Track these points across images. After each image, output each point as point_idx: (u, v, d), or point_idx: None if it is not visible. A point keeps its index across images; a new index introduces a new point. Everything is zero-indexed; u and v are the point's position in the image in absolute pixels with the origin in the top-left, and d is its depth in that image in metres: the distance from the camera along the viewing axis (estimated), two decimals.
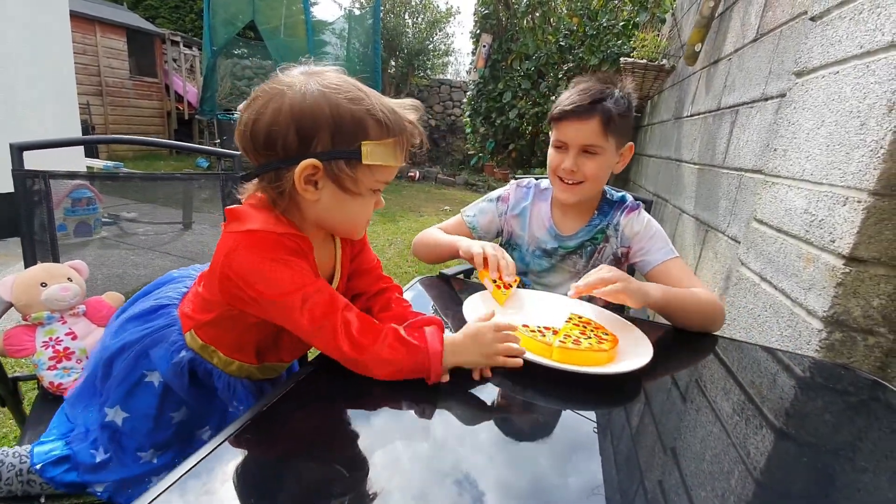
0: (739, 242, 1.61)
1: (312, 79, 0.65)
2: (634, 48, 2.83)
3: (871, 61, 0.91)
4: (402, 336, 0.66)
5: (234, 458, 0.50)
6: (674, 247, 1.19)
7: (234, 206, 0.69)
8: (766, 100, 1.65)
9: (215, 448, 0.50)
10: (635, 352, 0.75)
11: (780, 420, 0.69)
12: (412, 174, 8.40)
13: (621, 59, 2.91)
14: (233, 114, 7.14)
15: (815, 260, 0.98)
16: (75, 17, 6.82)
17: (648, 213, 1.60)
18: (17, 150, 1.05)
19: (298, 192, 0.65)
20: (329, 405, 0.64)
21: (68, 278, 1.05)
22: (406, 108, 0.69)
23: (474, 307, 0.86)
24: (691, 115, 2.67)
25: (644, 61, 2.70)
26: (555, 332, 0.74)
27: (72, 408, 0.82)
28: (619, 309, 1.52)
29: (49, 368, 1.00)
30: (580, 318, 0.84)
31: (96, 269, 2.24)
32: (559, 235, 1.24)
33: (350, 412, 0.62)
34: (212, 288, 0.70)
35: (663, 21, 3.61)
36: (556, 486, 0.51)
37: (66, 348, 1.02)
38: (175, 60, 9.06)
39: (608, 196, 1.24)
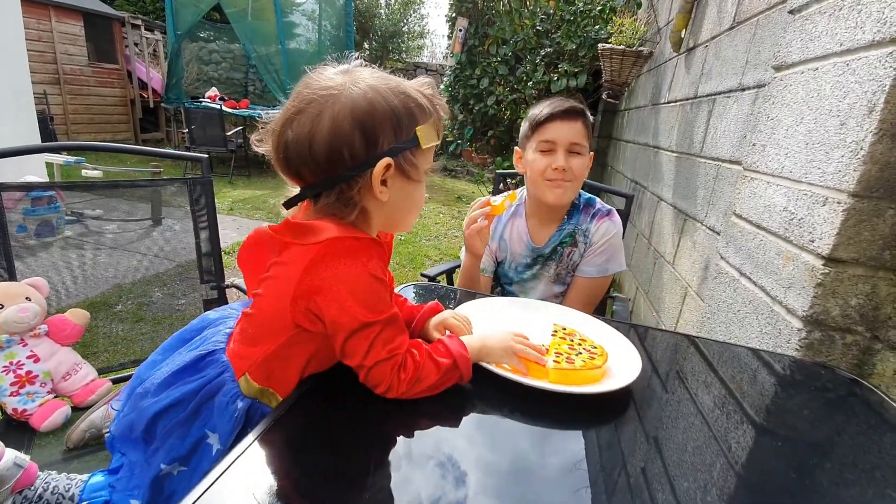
0: (718, 233, 1.63)
1: (351, 77, 0.64)
2: (612, 33, 2.80)
3: (851, 59, 0.90)
4: (435, 358, 0.65)
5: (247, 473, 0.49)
6: (624, 261, 1.32)
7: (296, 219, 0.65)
8: (744, 90, 1.66)
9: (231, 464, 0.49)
10: (624, 361, 0.75)
11: (760, 415, 0.70)
12: None
13: (599, 45, 2.88)
14: (200, 101, 6.86)
15: (795, 259, 0.99)
16: (27, 0, 6.42)
17: (630, 208, 1.61)
18: None
19: (373, 197, 0.64)
20: (335, 415, 0.63)
21: (27, 297, 0.98)
22: (429, 87, 0.69)
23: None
24: (669, 102, 2.68)
25: (622, 48, 2.68)
26: (544, 351, 0.72)
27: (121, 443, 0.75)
28: (602, 311, 1.57)
29: (11, 395, 0.94)
30: (564, 329, 0.83)
31: (61, 273, 2.13)
32: (535, 248, 1.32)
33: (358, 425, 0.60)
34: (271, 315, 0.65)
35: (639, 5, 3.58)
36: (537, 466, 0.54)
37: (29, 372, 0.97)
38: (137, 45, 8.64)
39: (574, 200, 1.31)
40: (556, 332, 0.82)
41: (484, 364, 0.68)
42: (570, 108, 1.21)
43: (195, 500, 0.43)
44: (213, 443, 0.68)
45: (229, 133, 6.22)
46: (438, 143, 0.69)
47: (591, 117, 1.26)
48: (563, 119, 1.21)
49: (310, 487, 0.50)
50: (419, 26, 9.76)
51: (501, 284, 1.38)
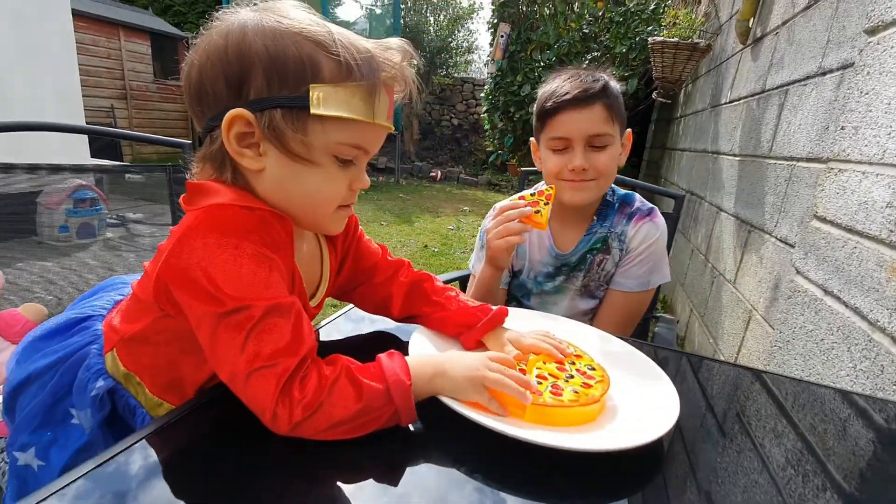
0: (793, 246, 1.34)
1: (257, 14, 0.50)
2: (665, 26, 2.55)
3: None
4: (358, 380, 0.46)
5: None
6: (668, 271, 1.06)
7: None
8: (824, 74, 1.38)
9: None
10: (652, 399, 0.53)
11: (851, 481, 0.49)
12: (434, 174, 8.21)
13: (650, 38, 2.62)
14: None
15: None
16: (99, 21, 6.96)
17: (680, 211, 1.36)
18: None
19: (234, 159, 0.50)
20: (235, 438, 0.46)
21: None
22: (388, 49, 0.53)
23: (420, 344, 0.64)
24: (731, 102, 2.38)
25: (675, 40, 2.41)
26: (535, 386, 0.51)
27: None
28: (643, 334, 1.29)
29: None
30: (553, 338, 0.63)
31: (90, 273, 2.13)
32: (559, 254, 1.07)
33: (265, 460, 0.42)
34: (143, 289, 0.53)
35: (699, 1, 3.29)
36: None
37: None
38: None
39: (607, 197, 1.06)
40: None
41: (441, 398, 0.49)
42: (583, 91, 0.93)
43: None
44: (82, 422, 0.57)
45: None
46: (365, 120, 0.51)
47: (615, 87, 0.98)
48: (575, 108, 0.94)
49: None
50: (467, 42, 9.74)
51: (518, 298, 1.15)
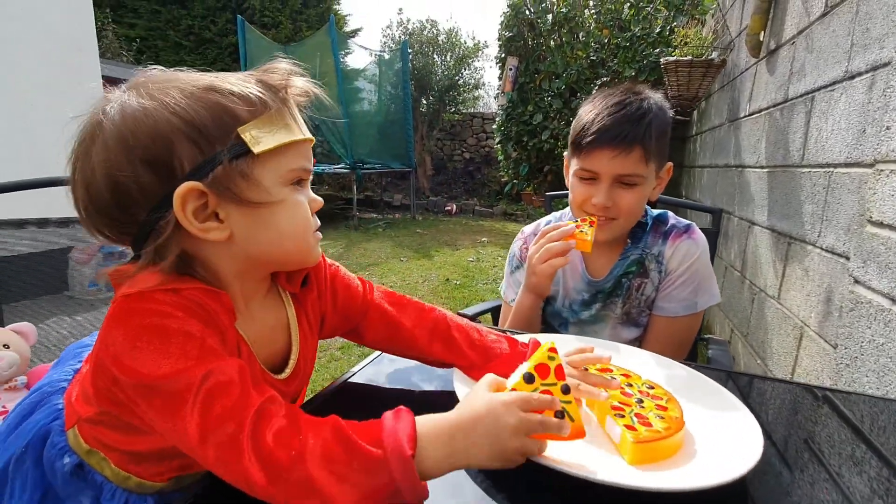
0: (841, 255, 1.26)
1: (133, 91, 0.46)
2: (676, 47, 2.55)
3: None
4: (352, 442, 0.40)
5: None
6: (717, 290, 1.00)
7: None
8: (852, 77, 1.34)
9: None
10: (723, 427, 0.48)
11: None
12: (449, 208, 8.27)
13: (662, 59, 2.62)
14: None
15: None
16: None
17: (719, 226, 1.31)
18: None
19: (198, 239, 0.47)
20: None
21: (4, 345, 0.88)
22: (272, 71, 0.51)
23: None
24: (750, 115, 2.34)
25: (689, 58, 2.41)
26: (579, 428, 0.45)
27: None
28: (692, 358, 1.22)
29: None
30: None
31: None
32: (592, 281, 1.01)
33: None
34: (89, 378, 0.51)
35: (704, 21, 3.32)
36: None
37: None
38: None
39: (641, 219, 1.00)
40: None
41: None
42: (622, 131, 0.86)
43: None
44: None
45: None
46: (296, 138, 0.50)
47: (665, 118, 0.92)
48: (610, 148, 0.87)
49: None
50: (474, 78, 9.98)
51: (553, 327, 1.09)
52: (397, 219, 7.60)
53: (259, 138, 0.46)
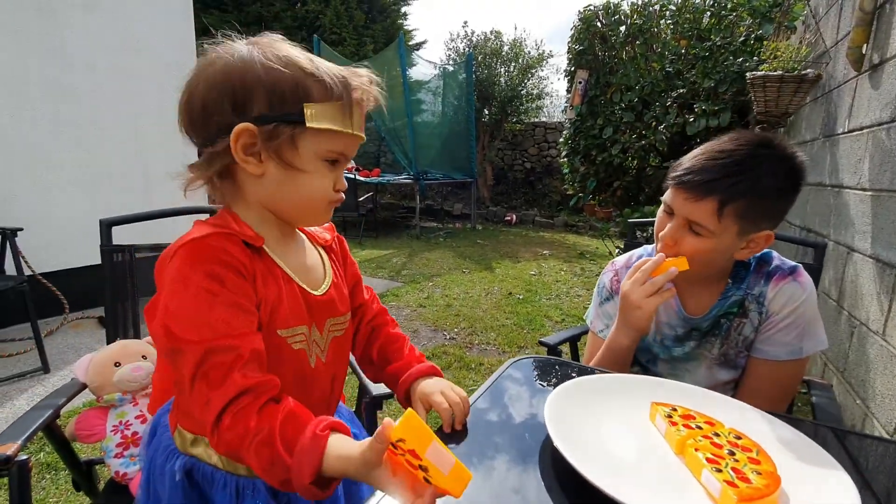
0: None
1: (252, 48, 0.60)
2: (764, 60, 2.41)
3: None
4: (275, 440, 0.50)
5: None
6: (824, 335, 0.95)
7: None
8: None
9: None
10: (821, 492, 0.47)
11: None
12: (508, 217, 8.23)
13: (748, 74, 2.48)
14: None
15: None
16: None
17: (822, 262, 1.23)
18: (106, 227, 1.06)
19: (239, 167, 0.59)
20: None
21: (143, 356, 1.00)
22: (356, 74, 0.63)
23: (560, 408, 0.62)
24: (850, 131, 2.17)
25: (780, 73, 2.26)
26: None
27: None
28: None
29: (116, 456, 0.94)
30: (675, 409, 0.58)
31: None
32: (688, 318, 0.99)
33: None
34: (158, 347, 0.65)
35: (793, 29, 3.11)
36: None
37: (135, 433, 0.96)
38: None
39: (744, 259, 0.96)
40: (668, 414, 0.57)
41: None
42: (702, 179, 0.84)
43: None
44: None
45: (361, 199, 6.77)
46: (345, 131, 0.61)
47: (775, 181, 0.84)
48: (685, 191, 0.86)
49: None
50: (537, 88, 9.89)
51: (642, 364, 1.07)
52: (457, 228, 7.68)
53: (316, 116, 0.57)
